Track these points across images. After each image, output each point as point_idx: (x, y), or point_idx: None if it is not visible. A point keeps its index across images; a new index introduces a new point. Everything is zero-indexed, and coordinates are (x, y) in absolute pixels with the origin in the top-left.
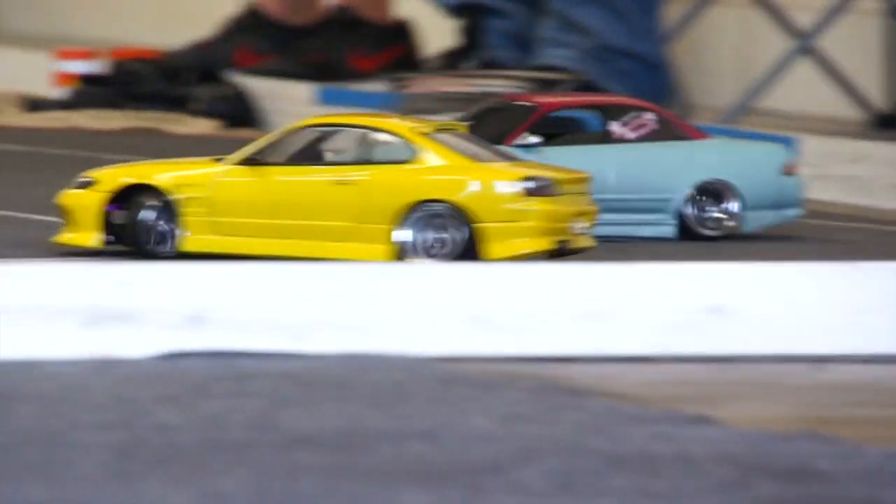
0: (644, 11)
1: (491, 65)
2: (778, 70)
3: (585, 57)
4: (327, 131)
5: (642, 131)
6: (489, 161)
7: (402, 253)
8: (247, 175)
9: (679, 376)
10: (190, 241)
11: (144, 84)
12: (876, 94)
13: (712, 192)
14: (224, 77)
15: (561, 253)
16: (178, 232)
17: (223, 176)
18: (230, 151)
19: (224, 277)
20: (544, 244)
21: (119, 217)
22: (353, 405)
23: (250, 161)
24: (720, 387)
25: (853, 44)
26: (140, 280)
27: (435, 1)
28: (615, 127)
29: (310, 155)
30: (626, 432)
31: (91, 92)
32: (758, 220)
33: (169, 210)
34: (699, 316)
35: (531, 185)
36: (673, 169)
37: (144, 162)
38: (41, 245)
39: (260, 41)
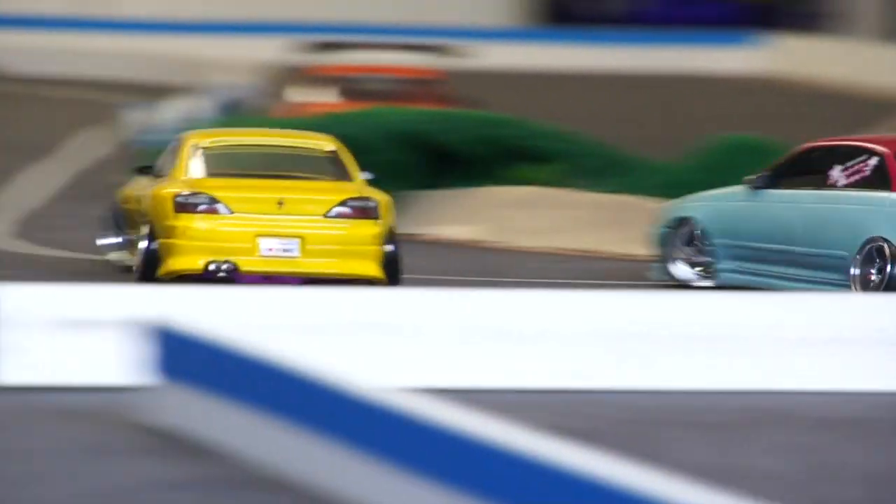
0: None
1: None
2: None
3: None
4: None
5: (854, 178)
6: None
7: None
8: None
9: None
10: None
11: None
12: None
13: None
14: None
15: (217, 273)
16: None
17: None
18: None
19: None
20: (190, 263)
21: None
22: None
23: None
24: None
25: None
26: None
27: None
28: (835, 171)
29: None
30: None
31: None
32: None
33: None
34: None
35: (181, 200)
36: (849, 224)
37: None
38: None
39: None
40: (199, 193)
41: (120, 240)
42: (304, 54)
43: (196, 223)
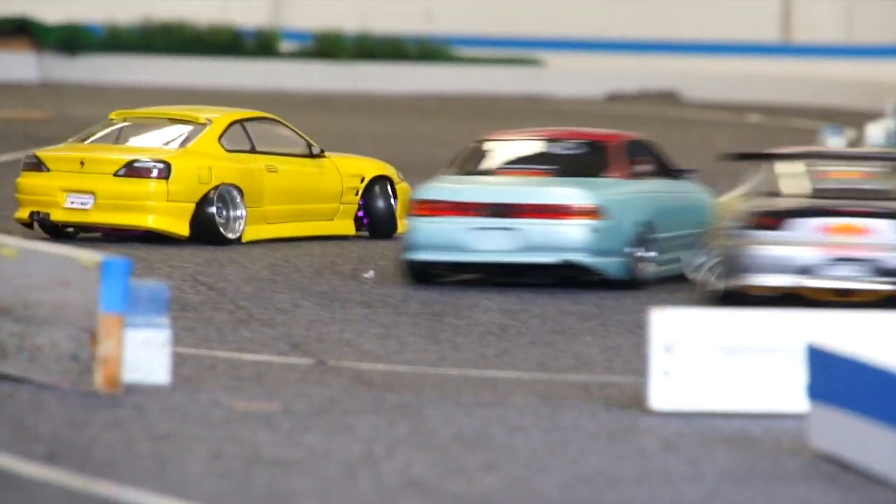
0: None
1: None
2: None
3: None
4: None
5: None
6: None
7: None
8: None
9: None
10: None
11: None
12: None
13: None
14: None
15: (42, 224)
16: None
17: None
18: None
19: None
20: (21, 214)
21: None
22: None
23: None
24: None
25: None
26: None
27: None
28: None
29: None
30: None
31: None
32: None
33: None
34: None
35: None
36: None
37: None
38: None
39: None
40: None
41: None
42: None
43: None
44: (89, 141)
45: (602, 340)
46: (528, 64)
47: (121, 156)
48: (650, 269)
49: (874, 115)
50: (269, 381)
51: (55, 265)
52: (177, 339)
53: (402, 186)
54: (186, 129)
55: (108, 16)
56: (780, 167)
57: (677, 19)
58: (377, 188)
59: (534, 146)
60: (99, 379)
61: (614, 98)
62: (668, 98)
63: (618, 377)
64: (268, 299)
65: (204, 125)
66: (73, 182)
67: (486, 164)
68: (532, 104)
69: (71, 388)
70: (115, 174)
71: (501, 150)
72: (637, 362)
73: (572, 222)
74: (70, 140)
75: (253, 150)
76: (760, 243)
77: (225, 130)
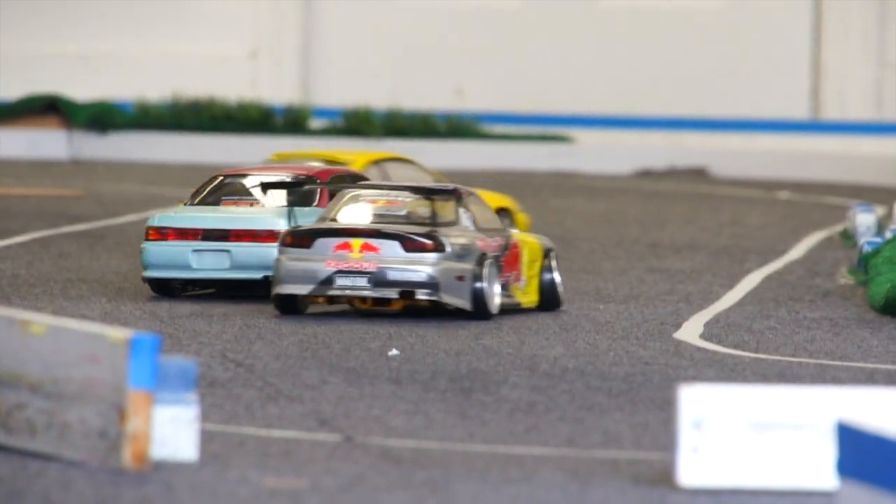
0: None
1: None
2: None
3: None
4: None
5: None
6: None
7: None
8: None
9: None
10: None
11: None
12: None
13: None
14: None
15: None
16: None
17: None
18: None
19: None
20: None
21: None
22: None
23: None
24: None
25: None
26: None
27: None
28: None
29: None
30: None
31: None
32: None
33: None
34: None
35: None
36: None
37: None
38: None
39: None
40: None
41: None
42: None
43: None
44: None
45: (631, 416)
46: (557, 140)
47: None
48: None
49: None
50: (298, 457)
51: (84, 342)
52: (205, 416)
53: (520, 216)
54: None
55: (137, 93)
56: (334, 199)
57: (706, 96)
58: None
59: (257, 180)
60: (127, 456)
61: (644, 174)
62: (698, 174)
63: (646, 453)
64: (296, 375)
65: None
66: None
67: (215, 195)
68: (561, 180)
69: (99, 464)
70: None
71: (230, 183)
72: (666, 438)
73: (273, 245)
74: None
75: None
76: (291, 259)
77: (364, 169)
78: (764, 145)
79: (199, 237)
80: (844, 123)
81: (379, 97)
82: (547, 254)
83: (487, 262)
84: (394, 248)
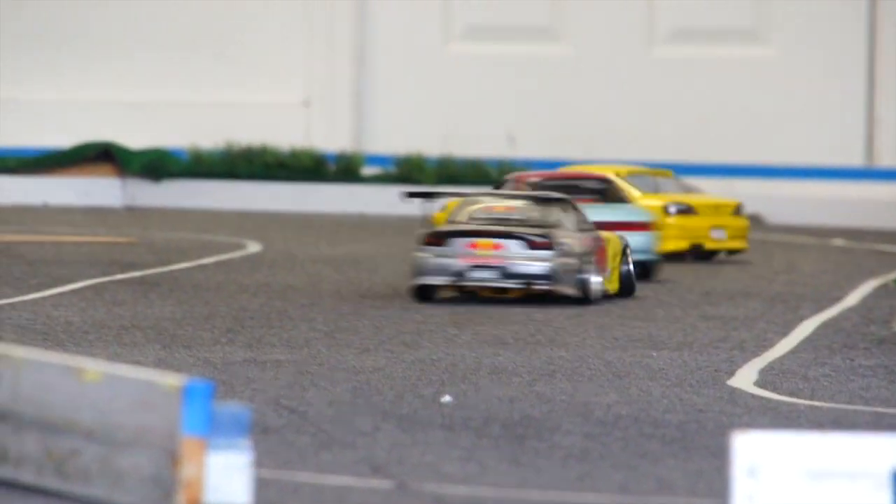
0: None
1: None
2: None
3: None
4: None
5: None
6: None
7: None
8: None
9: None
10: None
11: None
12: None
13: None
14: None
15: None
16: None
17: None
18: None
19: None
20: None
21: None
22: None
23: None
24: None
25: None
26: None
27: None
28: None
29: None
30: None
31: None
32: None
33: None
34: None
35: None
36: None
37: None
38: None
39: None
40: None
41: None
42: None
43: None
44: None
45: (685, 464)
46: None
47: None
48: None
49: None
50: None
51: (138, 388)
52: (259, 462)
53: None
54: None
55: (191, 141)
56: (455, 204)
57: (761, 143)
58: None
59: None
60: (181, 502)
61: None
62: (752, 221)
63: (701, 501)
64: (349, 422)
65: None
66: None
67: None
68: None
69: None
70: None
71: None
72: (720, 486)
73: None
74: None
75: None
76: (431, 255)
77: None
78: (818, 192)
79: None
80: None
81: (431, 144)
82: (624, 249)
83: (587, 256)
84: (517, 246)
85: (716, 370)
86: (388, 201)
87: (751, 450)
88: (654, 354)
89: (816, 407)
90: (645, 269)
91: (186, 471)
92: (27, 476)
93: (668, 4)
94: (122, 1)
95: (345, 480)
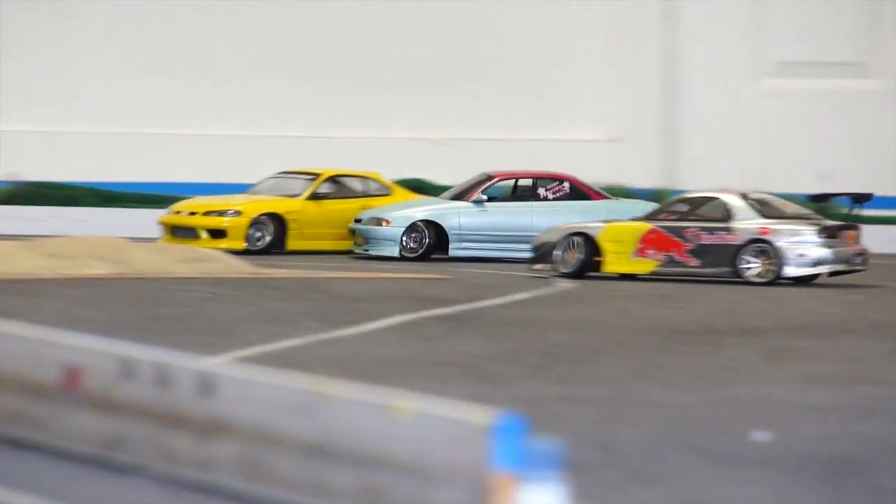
0: None
1: None
2: None
3: None
4: None
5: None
6: None
7: None
8: None
9: None
10: None
11: None
12: None
13: None
14: None
15: None
16: None
17: None
18: None
19: None
20: None
21: None
22: None
23: None
24: None
25: None
26: None
27: None
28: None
29: None
30: None
31: None
32: None
33: None
34: None
35: None
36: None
37: None
38: None
39: None
40: None
41: None
42: None
43: None
44: None
45: None
46: None
47: None
48: None
49: None
50: None
51: (449, 424)
52: (570, 498)
53: None
54: None
55: None
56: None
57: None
58: None
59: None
60: None
61: None
62: None
63: None
64: (659, 458)
65: None
66: None
67: None
68: None
69: None
70: None
71: None
72: None
73: None
74: None
75: None
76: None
77: None
78: None
79: None
80: None
81: (742, 180)
82: None
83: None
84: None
85: None
86: None
87: None
88: None
89: None
90: None
91: None
92: None
93: None
94: (428, 41)
95: None
